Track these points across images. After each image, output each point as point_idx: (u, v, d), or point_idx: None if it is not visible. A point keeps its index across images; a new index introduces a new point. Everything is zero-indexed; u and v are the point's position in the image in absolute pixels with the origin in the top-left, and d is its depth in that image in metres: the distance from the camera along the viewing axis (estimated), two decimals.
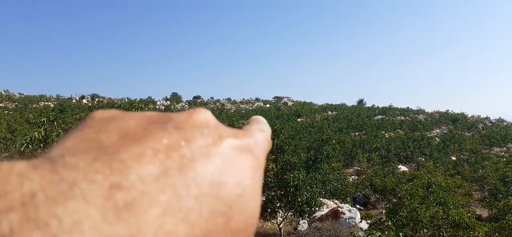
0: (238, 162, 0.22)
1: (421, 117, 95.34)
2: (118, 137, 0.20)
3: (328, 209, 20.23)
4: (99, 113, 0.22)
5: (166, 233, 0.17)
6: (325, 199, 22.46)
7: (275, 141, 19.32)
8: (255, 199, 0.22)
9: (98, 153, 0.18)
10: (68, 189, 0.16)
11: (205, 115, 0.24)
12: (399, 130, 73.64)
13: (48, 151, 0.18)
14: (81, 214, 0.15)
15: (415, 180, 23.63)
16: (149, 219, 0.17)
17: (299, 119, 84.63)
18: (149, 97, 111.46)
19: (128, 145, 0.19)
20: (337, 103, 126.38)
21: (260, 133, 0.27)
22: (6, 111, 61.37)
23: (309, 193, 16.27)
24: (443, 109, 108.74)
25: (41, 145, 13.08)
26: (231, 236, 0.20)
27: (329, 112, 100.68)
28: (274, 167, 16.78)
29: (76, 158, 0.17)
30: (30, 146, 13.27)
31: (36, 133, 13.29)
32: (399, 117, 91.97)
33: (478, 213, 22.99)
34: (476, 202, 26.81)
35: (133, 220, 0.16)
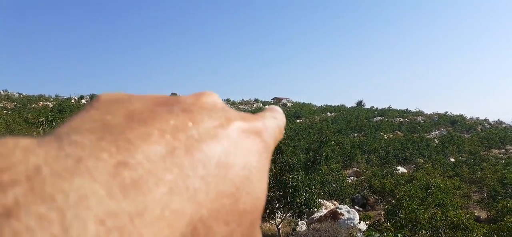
0: (245, 144, 0.22)
1: (420, 118, 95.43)
2: (124, 118, 0.19)
3: (327, 210, 20.24)
4: (105, 95, 0.22)
5: (172, 211, 0.17)
6: (324, 200, 22.46)
7: None
8: (261, 182, 0.22)
9: (104, 133, 0.18)
10: (73, 165, 0.16)
11: (212, 98, 0.24)
12: (398, 132, 73.71)
13: (54, 130, 0.18)
14: (87, 189, 0.15)
15: (413, 181, 23.68)
16: (156, 197, 0.17)
17: (298, 120, 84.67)
18: None
19: (134, 126, 0.19)
20: (336, 104, 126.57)
21: (272, 120, 0.27)
22: (4, 111, 61.26)
23: (308, 194, 16.28)
24: (442, 111, 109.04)
25: None
26: (239, 217, 0.20)
27: (328, 113, 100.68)
28: (273, 168, 16.78)
29: (81, 136, 0.17)
30: None
31: (35, 133, 13.24)
32: (398, 119, 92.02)
33: (476, 214, 23.01)
34: (475, 203, 26.85)
35: (139, 198, 0.16)
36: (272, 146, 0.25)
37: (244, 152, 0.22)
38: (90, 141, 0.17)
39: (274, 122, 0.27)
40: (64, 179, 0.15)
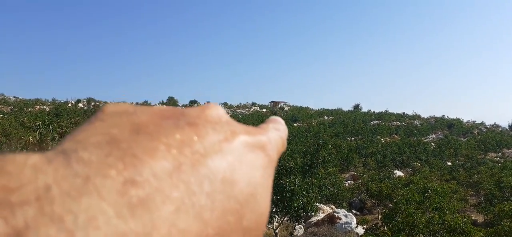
0: (249, 159, 0.22)
1: (416, 122, 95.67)
2: (130, 132, 0.19)
3: (324, 214, 20.23)
4: (111, 107, 0.22)
5: (179, 230, 0.17)
6: (321, 204, 22.44)
7: None
8: (265, 198, 0.22)
9: (111, 148, 0.18)
10: (82, 184, 0.15)
11: (217, 111, 0.24)
12: (395, 135, 73.82)
13: (60, 143, 0.18)
14: (96, 209, 0.15)
15: (411, 185, 23.67)
16: (163, 216, 0.16)
17: (295, 124, 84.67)
18: (145, 101, 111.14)
19: (140, 140, 0.19)
20: (333, 108, 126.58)
21: (275, 132, 0.27)
22: (1, 115, 61.02)
23: (305, 198, 16.27)
24: (438, 115, 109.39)
25: (36, 149, 13.01)
26: (243, 234, 0.20)
27: (325, 117, 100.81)
28: None
29: (89, 152, 0.17)
30: (24, 150, 13.21)
31: (31, 137, 13.18)
32: (395, 122, 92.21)
33: (473, 218, 23.05)
34: (472, 207, 26.87)
35: (147, 217, 0.16)
36: (275, 159, 0.25)
37: (248, 168, 0.22)
38: (97, 157, 0.17)
39: (277, 135, 0.27)
40: (73, 199, 0.15)
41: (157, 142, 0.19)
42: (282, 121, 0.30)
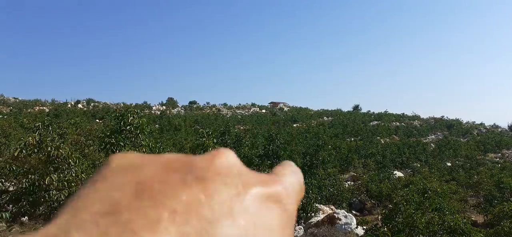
0: (265, 218, 0.20)
1: (416, 123, 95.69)
2: (133, 196, 0.18)
3: (324, 215, 20.19)
4: (117, 159, 0.21)
5: None
6: (321, 205, 22.41)
7: (271, 146, 19.36)
8: None
9: (108, 223, 0.17)
10: None
11: (227, 159, 0.22)
12: (395, 136, 73.84)
13: (57, 216, 0.17)
14: None
15: (410, 186, 23.67)
16: None
17: (295, 125, 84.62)
18: (145, 102, 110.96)
19: (143, 208, 0.17)
20: (333, 109, 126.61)
21: (292, 176, 0.25)
22: (0, 116, 60.96)
23: (304, 199, 16.26)
24: (438, 115, 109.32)
25: (35, 150, 12.95)
26: None
27: (324, 117, 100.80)
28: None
29: (84, 232, 0.16)
30: (24, 151, 13.15)
31: (30, 138, 13.16)
32: (394, 123, 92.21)
33: (473, 219, 23.04)
34: (472, 208, 26.87)
35: None
36: (294, 211, 0.24)
37: (264, 230, 0.19)
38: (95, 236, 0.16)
39: (294, 179, 0.25)
40: None
41: (161, 209, 0.18)
42: (295, 165, 0.28)
